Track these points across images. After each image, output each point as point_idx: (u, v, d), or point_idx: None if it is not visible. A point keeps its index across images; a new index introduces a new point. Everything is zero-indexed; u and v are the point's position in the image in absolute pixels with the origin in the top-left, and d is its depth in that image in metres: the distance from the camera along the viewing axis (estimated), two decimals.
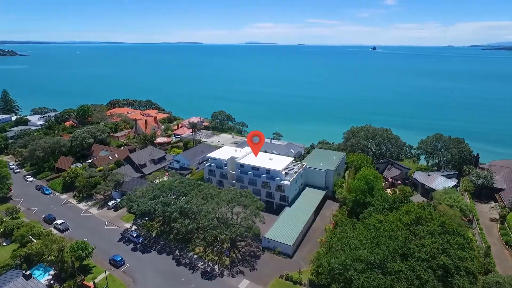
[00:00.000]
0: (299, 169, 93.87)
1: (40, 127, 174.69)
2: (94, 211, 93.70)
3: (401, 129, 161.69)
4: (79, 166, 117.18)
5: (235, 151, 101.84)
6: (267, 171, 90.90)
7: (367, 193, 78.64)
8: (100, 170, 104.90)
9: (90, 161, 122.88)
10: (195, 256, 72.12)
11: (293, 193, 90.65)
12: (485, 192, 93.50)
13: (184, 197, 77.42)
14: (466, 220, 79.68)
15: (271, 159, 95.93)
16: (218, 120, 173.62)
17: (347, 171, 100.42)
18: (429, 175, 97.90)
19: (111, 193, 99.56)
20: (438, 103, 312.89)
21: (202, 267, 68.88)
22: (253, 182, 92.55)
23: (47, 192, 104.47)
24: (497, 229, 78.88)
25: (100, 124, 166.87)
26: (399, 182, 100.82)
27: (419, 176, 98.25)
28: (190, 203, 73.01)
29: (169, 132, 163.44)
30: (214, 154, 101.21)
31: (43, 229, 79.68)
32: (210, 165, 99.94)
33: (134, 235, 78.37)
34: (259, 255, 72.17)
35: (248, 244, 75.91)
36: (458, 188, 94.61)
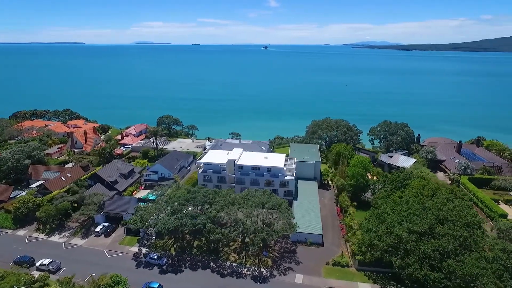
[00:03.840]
0: (293, 164, 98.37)
1: None
2: (78, 241, 79.31)
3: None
4: (22, 194, 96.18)
5: (227, 153, 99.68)
6: (269, 169, 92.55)
7: (366, 176, 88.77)
8: (73, 194, 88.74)
9: (34, 185, 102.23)
10: (234, 264, 69.66)
11: (294, 187, 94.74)
12: (432, 165, 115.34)
13: (209, 206, 73.14)
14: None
15: (266, 158, 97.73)
16: (165, 125, 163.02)
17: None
18: (391, 156, 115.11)
19: (91, 218, 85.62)
20: (341, 96, 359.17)
21: (248, 272, 67.26)
22: (255, 182, 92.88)
23: None
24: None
25: (12, 141, 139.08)
26: None
27: (384, 158, 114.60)
28: (224, 211, 69.78)
29: (113, 142, 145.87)
30: (206, 160, 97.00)
31: (24, 274, 64.09)
32: (205, 171, 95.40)
33: (155, 257, 70.34)
34: (294, 249, 74.21)
35: (277, 241, 76.86)
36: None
